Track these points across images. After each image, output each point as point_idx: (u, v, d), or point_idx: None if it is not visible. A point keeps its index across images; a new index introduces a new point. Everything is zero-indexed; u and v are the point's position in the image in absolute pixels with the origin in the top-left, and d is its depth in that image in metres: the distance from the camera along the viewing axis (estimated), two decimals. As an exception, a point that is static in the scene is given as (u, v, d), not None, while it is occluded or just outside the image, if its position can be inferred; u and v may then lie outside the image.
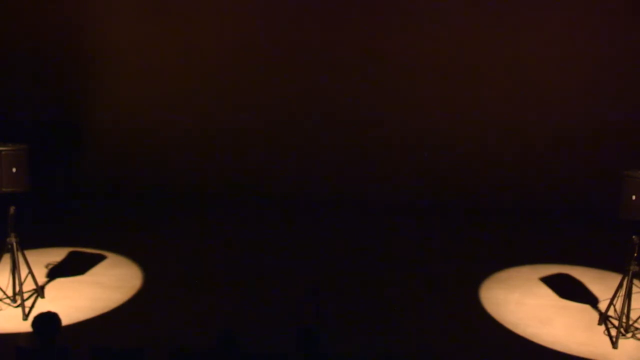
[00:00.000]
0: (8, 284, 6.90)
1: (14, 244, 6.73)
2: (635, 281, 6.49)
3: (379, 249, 8.95)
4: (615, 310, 6.63)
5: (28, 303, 6.90)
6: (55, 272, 7.82)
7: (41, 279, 7.49)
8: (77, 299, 7.18)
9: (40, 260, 8.01)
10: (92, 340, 6.13)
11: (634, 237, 6.37)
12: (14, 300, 6.87)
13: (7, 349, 5.67)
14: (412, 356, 6.19)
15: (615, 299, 6.60)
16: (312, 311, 6.35)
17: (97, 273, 7.93)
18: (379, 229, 9.77)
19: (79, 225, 9.70)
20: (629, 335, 6.54)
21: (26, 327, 6.03)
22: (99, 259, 8.30)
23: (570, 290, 7.66)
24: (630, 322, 6.54)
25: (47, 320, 4.67)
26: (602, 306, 7.05)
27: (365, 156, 10.86)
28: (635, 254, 6.38)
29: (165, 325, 6.66)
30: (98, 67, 10.98)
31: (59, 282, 7.61)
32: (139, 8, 10.85)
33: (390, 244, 9.16)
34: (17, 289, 6.81)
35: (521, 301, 7.38)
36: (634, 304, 6.51)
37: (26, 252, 6.93)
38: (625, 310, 6.46)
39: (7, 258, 6.76)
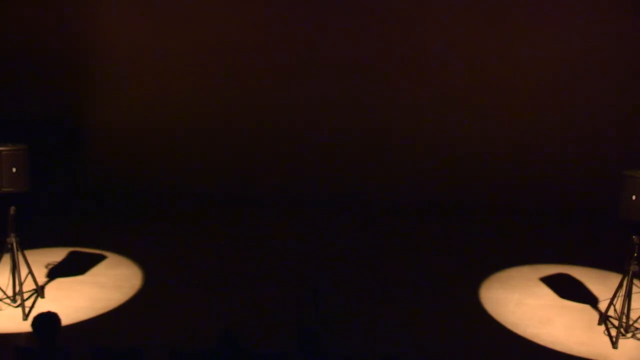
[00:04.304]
0: (8, 284, 6.90)
1: (14, 244, 6.73)
2: (635, 281, 6.49)
3: (379, 249, 8.95)
4: (615, 310, 6.63)
5: (28, 303, 6.90)
6: (55, 272, 7.82)
7: (41, 279, 7.49)
8: (77, 299, 7.18)
9: (40, 260, 8.01)
10: (92, 340, 6.13)
11: (634, 237, 6.37)
12: (14, 300, 6.87)
13: (7, 349, 5.67)
14: (412, 356, 6.18)
15: (615, 299, 6.61)
16: (313, 311, 6.35)
17: (97, 273, 7.93)
18: (378, 229, 9.77)
19: (79, 225, 9.70)
20: (629, 335, 6.54)
21: (26, 327, 6.03)
22: (99, 259, 8.30)
23: (570, 290, 7.66)
24: (630, 322, 6.54)
25: (47, 320, 4.67)
26: (602, 306, 7.05)
27: (365, 156, 10.86)
28: (635, 254, 6.38)
29: (165, 325, 6.66)
30: (98, 67, 10.98)
31: (59, 282, 7.61)
32: (139, 8, 10.85)
33: (390, 244, 9.16)
34: (17, 289, 6.81)
35: (521, 301, 7.38)
36: (634, 304, 6.51)
37: (26, 252, 6.92)
38: (625, 310, 6.46)
39: (7, 258, 6.76)
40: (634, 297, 6.50)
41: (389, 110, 10.74)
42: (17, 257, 6.75)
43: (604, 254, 8.49)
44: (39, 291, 7.13)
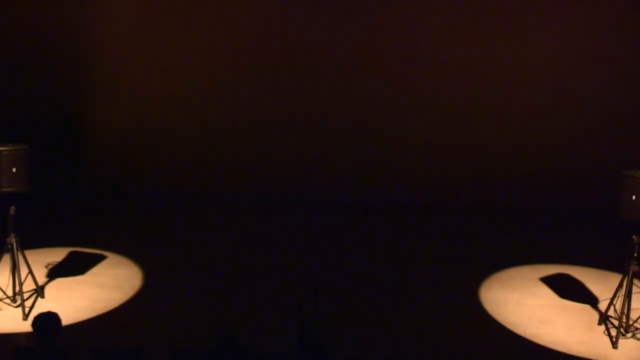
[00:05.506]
0: (8, 284, 6.90)
1: (14, 244, 6.73)
2: (635, 281, 6.49)
3: (379, 249, 8.95)
4: (615, 310, 6.63)
5: (28, 303, 6.90)
6: (55, 272, 7.82)
7: (41, 279, 7.49)
8: (77, 299, 7.18)
9: (40, 260, 8.01)
10: (92, 340, 6.13)
11: (634, 237, 6.37)
12: (14, 300, 6.87)
13: (7, 349, 5.67)
14: (412, 356, 6.18)
15: (615, 299, 6.60)
16: (312, 312, 6.35)
17: (97, 273, 7.93)
18: (378, 229, 9.77)
19: (79, 225, 9.70)
20: (629, 335, 6.54)
21: (26, 327, 6.03)
22: (99, 259, 8.30)
23: (570, 290, 7.66)
24: (630, 322, 6.54)
25: (47, 320, 4.67)
26: (602, 306, 7.05)
27: (365, 156, 10.86)
28: (635, 254, 6.38)
29: (165, 325, 6.66)
30: (98, 66, 10.98)
31: (59, 282, 7.61)
32: (139, 8, 10.86)
33: (390, 244, 9.16)
34: (17, 289, 6.81)
35: (521, 301, 7.38)
36: (634, 304, 6.51)
37: (26, 252, 6.92)
38: (625, 310, 6.46)
39: (7, 258, 6.75)
40: (634, 297, 6.49)
41: (390, 110, 10.74)
42: (17, 257, 6.75)
43: (604, 254, 8.48)
44: (39, 291, 7.13)
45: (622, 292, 6.50)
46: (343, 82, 10.68)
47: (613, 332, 6.54)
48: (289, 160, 10.90)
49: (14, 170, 6.48)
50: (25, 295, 6.89)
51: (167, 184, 10.92)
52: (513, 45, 10.44)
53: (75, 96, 11.06)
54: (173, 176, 10.99)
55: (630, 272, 6.44)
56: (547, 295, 7.57)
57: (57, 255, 8.34)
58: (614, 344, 6.39)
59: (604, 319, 6.80)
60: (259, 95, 10.85)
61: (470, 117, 10.64)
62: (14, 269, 6.78)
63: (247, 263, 8.41)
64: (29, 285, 6.99)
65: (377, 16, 10.55)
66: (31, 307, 6.85)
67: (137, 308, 7.12)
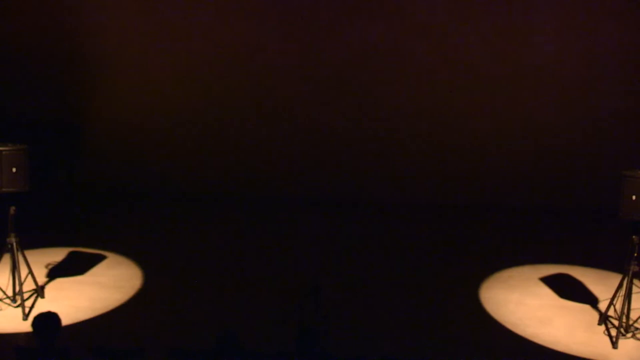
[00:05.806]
0: (8, 284, 6.89)
1: (14, 244, 6.73)
2: (635, 281, 6.49)
3: (379, 249, 8.95)
4: (615, 310, 6.63)
5: (28, 303, 6.90)
6: (55, 272, 7.82)
7: (41, 279, 7.49)
8: (77, 299, 7.17)
9: (40, 260, 8.00)
10: (92, 340, 6.13)
11: (634, 237, 6.37)
12: (14, 300, 6.87)
13: (7, 349, 5.67)
14: (412, 356, 6.18)
15: (615, 299, 6.60)
16: (312, 311, 6.35)
17: (97, 273, 7.93)
18: (378, 229, 9.77)
19: (79, 225, 9.70)
20: (629, 335, 6.54)
21: (26, 327, 6.02)
22: (99, 259, 8.30)
23: (570, 290, 7.66)
24: (630, 322, 6.54)
25: (47, 320, 4.67)
26: (602, 306, 7.05)
27: (365, 156, 10.86)
28: (635, 254, 6.38)
29: (165, 325, 6.66)
30: (98, 67, 10.97)
31: (59, 282, 7.61)
32: (139, 8, 10.85)
33: (390, 244, 9.16)
34: (17, 289, 6.81)
35: (521, 301, 7.38)
36: (634, 304, 6.51)
37: (26, 252, 6.92)
38: (625, 310, 6.46)
39: (7, 258, 6.75)
40: (634, 297, 6.49)
41: (389, 110, 10.73)
42: (17, 257, 6.75)
43: (604, 254, 8.48)
44: (39, 291, 7.13)
45: (622, 292, 6.49)
46: (343, 83, 10.67)
47: (613, 332, 6.54)
48: (289, 160, 10.89)
49: (14, 170, 6.48)
50: (25, 295, 6.89)
51: (167, 184, 10.92)
52: (512, 45, 10.43)
53: (75, 96, 11.06)
54: (173, 176, 10.99)
55: (630, 272, 6.44)
56: (547, 295, 7.57)
57: (57, 255, 8.34)
58: (614, 344, 6.39)
59: (604, 319, 6.80)
60: (258, 95, 10.84)
61: (469, 116, 10.62)
62: (14, 269, 6.78)
63: (247, 263, 8.41)
64: (29, 285, 6.99)
65: (382, 18, 10.53)
66: (31, 307, 6.85)
67: (137, 308, 7.11)
